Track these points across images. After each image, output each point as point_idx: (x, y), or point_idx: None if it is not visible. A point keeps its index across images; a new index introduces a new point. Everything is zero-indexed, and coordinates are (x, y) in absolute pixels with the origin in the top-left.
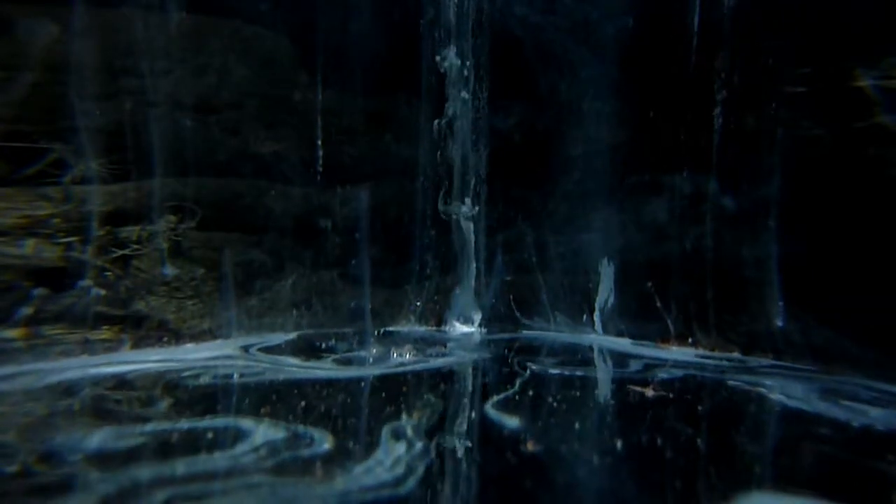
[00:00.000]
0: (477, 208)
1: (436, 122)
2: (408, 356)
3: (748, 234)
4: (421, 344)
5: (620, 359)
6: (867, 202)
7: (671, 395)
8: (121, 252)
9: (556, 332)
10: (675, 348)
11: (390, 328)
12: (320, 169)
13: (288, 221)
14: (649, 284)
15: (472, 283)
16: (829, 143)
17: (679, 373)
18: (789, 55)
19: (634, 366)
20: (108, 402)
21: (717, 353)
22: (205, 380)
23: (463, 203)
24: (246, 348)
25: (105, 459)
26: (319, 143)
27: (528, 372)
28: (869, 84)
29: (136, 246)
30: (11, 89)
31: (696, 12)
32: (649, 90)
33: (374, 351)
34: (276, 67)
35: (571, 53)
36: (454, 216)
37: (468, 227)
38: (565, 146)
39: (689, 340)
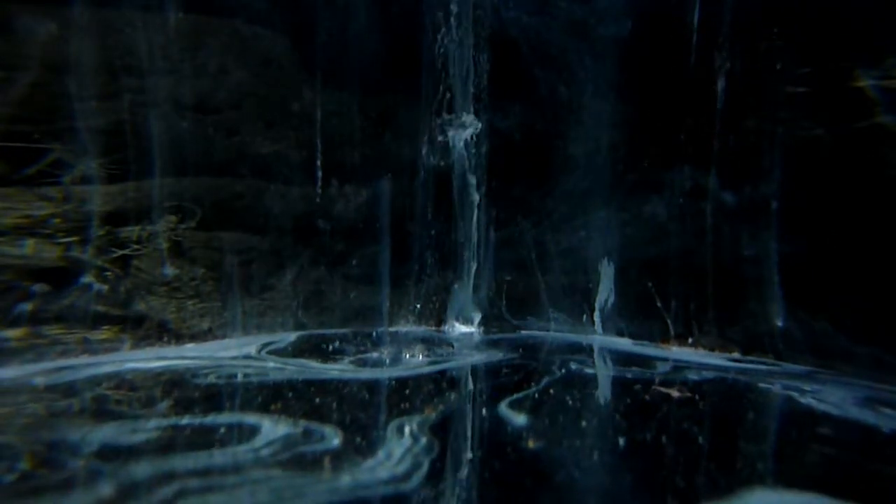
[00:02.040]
0: (479, 124)
1: (438, 36)
2: (420, 357)
3: (748, 233)
4: (427, 344)
5: (648, 361)
6: (867, 202)
7: (697, 397)
8: (121, 252)
9: (556, 332)
10: (675, 348)
11: (389, 329)
12: (320, 168)
13: (288, 221)
14: (649, 284)
15: (472, 283)
16: (829, 143)
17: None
18: (789, 55)
19: (662, 367)
20: (169, 394)
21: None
22: (251, 378)
23: (464, 115)
24: (259, 349)
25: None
26: (319, 142)
27: (563, 371)
28: (869, 84)
29: (136, 246)
30: (11, 89)
31: (696, 11)
32: (649, 89)
33: (386, 352)
34: (275, 67)
35: (570, 53)
36: (455, 130)
37: (470, 223)
38: (565, 145)
39: (689, 340)
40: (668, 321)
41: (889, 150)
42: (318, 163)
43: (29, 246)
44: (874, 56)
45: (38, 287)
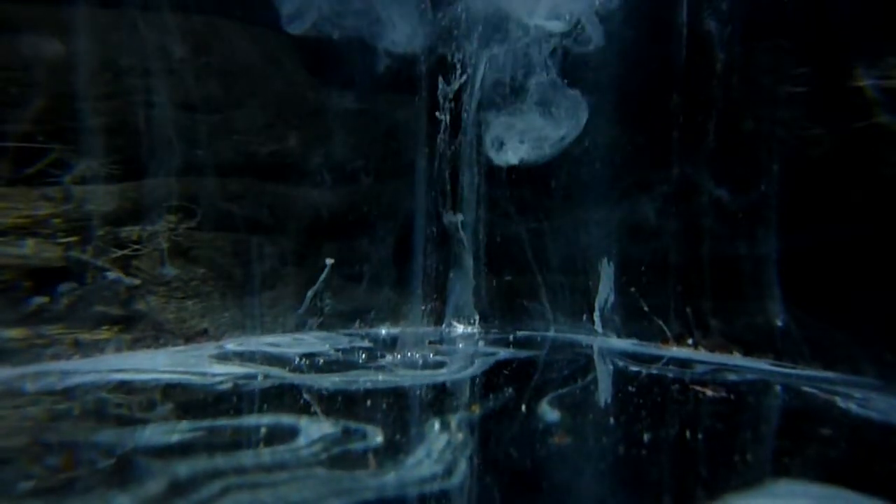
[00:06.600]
0: None
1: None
2: (438, 357)
3: (748, 233)
4: (435, 344)
5: (686, 363)
6: (866, 201)
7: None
8: (121, 252)
9: (555, 333)
10: (675, 348)
11: (387, 329)
12: (320, 168)
13: (289, 221)
14: (649, 284)
15: (472, 283)
16: (829, 143)
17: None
18: (789, 55)
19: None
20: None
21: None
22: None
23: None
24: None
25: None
26: (319, 142)
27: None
28: (869, 84)
29: (136, 246)
30: (11, 89)
31: (698, 11)
32: (648, 89)
33: (399, 354)
34: (277, 67)
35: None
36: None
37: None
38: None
39: (690, 341)
40: (669, 321)
41: (888, 149)
42: (319, 162)
43: (29, 246)
44: (874, 56)
45: (39, 290)
